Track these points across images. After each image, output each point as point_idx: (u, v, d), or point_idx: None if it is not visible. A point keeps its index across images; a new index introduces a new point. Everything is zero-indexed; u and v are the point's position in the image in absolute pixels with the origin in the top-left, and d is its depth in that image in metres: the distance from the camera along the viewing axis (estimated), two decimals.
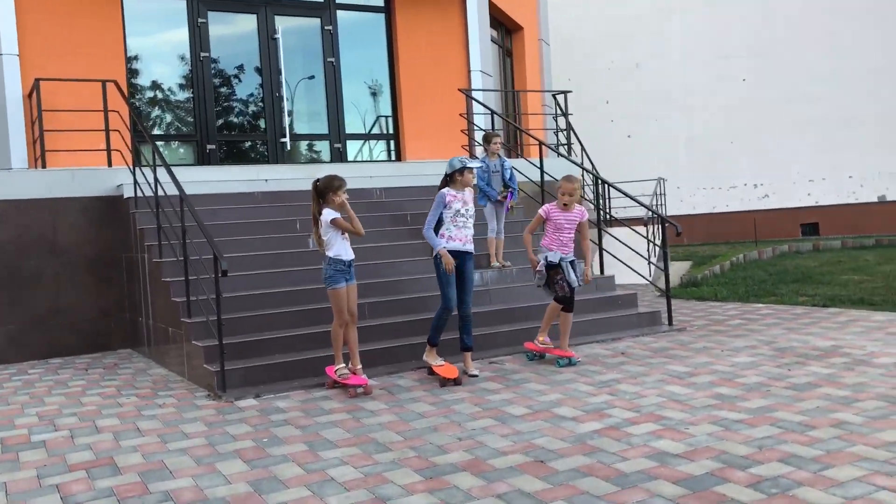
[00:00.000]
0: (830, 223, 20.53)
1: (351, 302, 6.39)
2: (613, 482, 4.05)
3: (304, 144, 11.93)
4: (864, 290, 10.50)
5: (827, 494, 3.72)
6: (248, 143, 11.61)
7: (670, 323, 8.73)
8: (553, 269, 6.92)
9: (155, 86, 11.01)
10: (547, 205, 7.09)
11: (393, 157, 12.45)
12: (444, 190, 6.72)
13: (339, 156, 11.94)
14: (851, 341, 7.37)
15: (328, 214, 6.25)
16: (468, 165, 6.72)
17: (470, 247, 6.75)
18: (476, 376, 6.64)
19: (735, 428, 4.85)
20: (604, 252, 9.58)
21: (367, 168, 10.84)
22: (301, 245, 8.64)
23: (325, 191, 6.27)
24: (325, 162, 11.67)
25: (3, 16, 9.51)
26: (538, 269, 6.99)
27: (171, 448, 5.09)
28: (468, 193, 6.79)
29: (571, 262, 6.95)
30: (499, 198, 8.86)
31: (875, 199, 20.49)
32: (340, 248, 6.30)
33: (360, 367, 6.40)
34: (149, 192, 8.11)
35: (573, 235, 7.01)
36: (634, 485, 4.00)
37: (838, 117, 20.56)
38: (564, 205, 6.92)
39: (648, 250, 11.42)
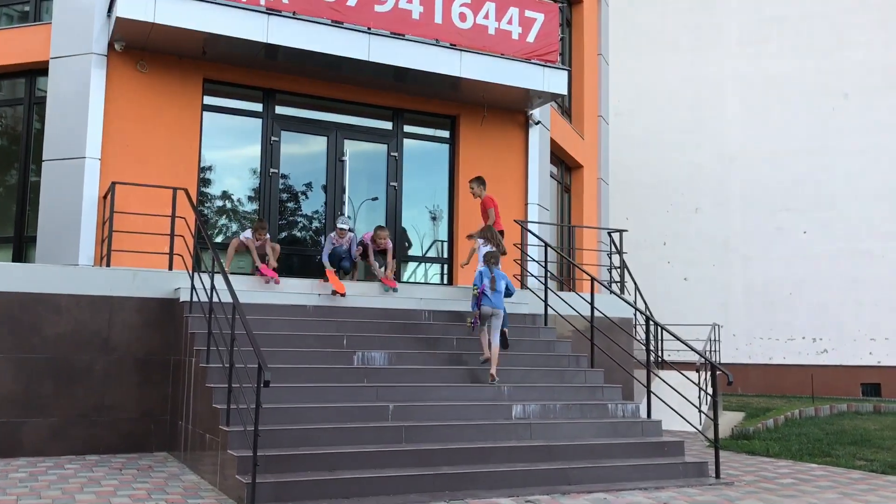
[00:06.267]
0: (894, 385, 19.75)
1: None
2: None
3: (361, 263, 12.12)
4: None
5: None
6: (307, 257, 11.88)
7: (717, 476, 8.37)
8: None
9: (224, 195, 11.47)
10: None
11: (445, 281, 12.57)
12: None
13: (393, 276, 12.08)
14: None
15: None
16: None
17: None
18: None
19: None
20: (652, 396, 9.34)
21: (417, 290, 10.95)
22: (345, 362, 8.66)
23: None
24: (377, 281, 11.81)
25: (92, 122, 10.15)
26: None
27: None
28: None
29: None
30: None
31: None
32: None
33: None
34: (205, 298, 8.30)
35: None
36: None
37: None
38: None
39: (699, 398, 11.06)
